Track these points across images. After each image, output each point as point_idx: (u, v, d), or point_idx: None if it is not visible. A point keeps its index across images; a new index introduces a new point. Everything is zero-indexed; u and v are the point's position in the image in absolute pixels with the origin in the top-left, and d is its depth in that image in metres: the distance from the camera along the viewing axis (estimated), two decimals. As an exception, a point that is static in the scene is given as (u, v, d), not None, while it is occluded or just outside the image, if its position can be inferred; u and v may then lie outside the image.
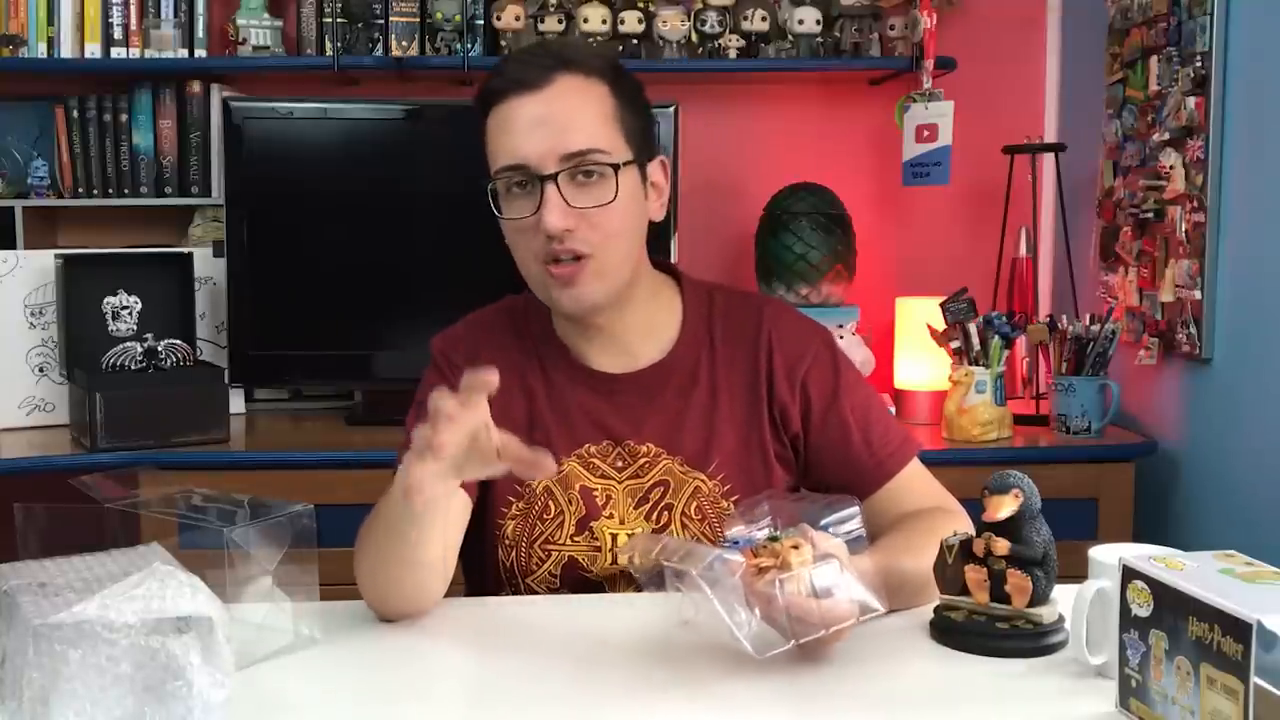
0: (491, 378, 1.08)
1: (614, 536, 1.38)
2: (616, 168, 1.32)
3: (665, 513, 1.39)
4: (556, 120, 1.31)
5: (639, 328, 1.43)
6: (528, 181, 1.32)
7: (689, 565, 1.09)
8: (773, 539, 1.10)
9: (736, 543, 1.11)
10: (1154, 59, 2.34)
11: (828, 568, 1.07)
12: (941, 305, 2.49)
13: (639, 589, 1.29)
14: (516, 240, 1.36)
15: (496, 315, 1.48)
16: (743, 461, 1.41)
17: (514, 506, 1.40)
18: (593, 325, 1.41)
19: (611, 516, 1.39)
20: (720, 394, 1.42)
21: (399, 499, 1.18)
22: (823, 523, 1.13)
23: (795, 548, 1.07)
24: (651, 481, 1.40)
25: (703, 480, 1.39)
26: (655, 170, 1.41)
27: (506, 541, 1.40)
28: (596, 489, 1.39)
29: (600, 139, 1.32)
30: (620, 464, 1.40)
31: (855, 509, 1.15)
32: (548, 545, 1.39)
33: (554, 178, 1.30)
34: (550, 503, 1.39)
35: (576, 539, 1.39)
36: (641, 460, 1.40)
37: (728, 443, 1.41)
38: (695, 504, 1.39)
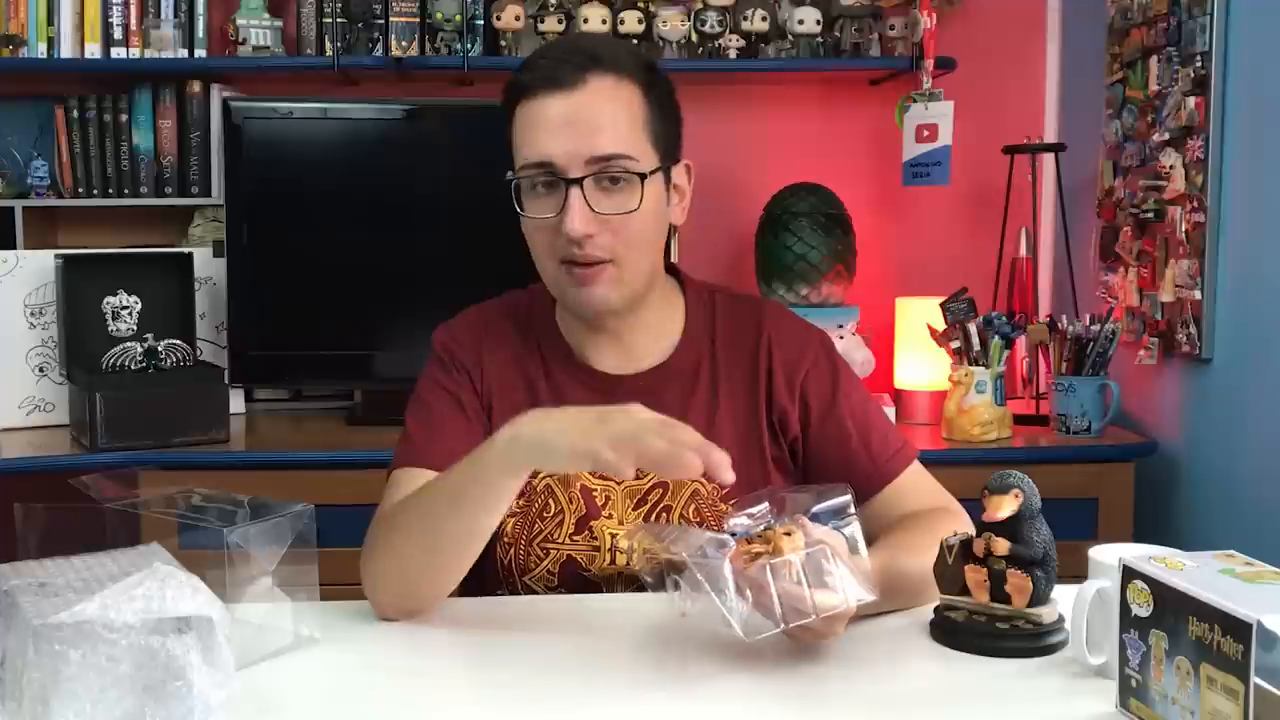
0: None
1: (613, 536, 1.38)
2: (643, 176, 1.32)
3: (664, 514, 1.39)
4: (586, 122, 1.30)
5: (647, 330, 1.43)
6: (552, 181, 1.31)
7: (682, 549, 1.09)
8: (767, 528, 1.10)
9: (734, 533, 1.12)
10: (1154, 59, 2.34)
11: (819, 555, 1.07)
12: (941, 305, 2.49)
13: (639, 588, 1.29)
14: (536, 237, 1.35)
15: (500, 310, 1.48)
16: (741, 464, 1.39)
17: (513, 505, 1.40)
18: (601, 327, 1.41)
19: (611, 517, 1.39)
20: (721, 396, 1.42)
21: (467, 482, 1.21)
22: (814, 510, 1.13)
23: (788, 534, 1.08)
24: (650, 483, 1.40)
25: (701, 483, 1.39)
26: (679, 174, 1.41)
27: (505, 539, 1.40)
28: (596, 489, 1.39)
29: (628, 144, 1.31)
30: None
31: (847, 497, 1.15)
32: (546, 544, 1.39)
33: (579, 182, 1.29)
34: (550, 501, 1.39)
35: (576, 538, 1.39)
36: None
37: (727, 445, 1.40)
38: (693, 506, 1.39)
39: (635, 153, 1.32)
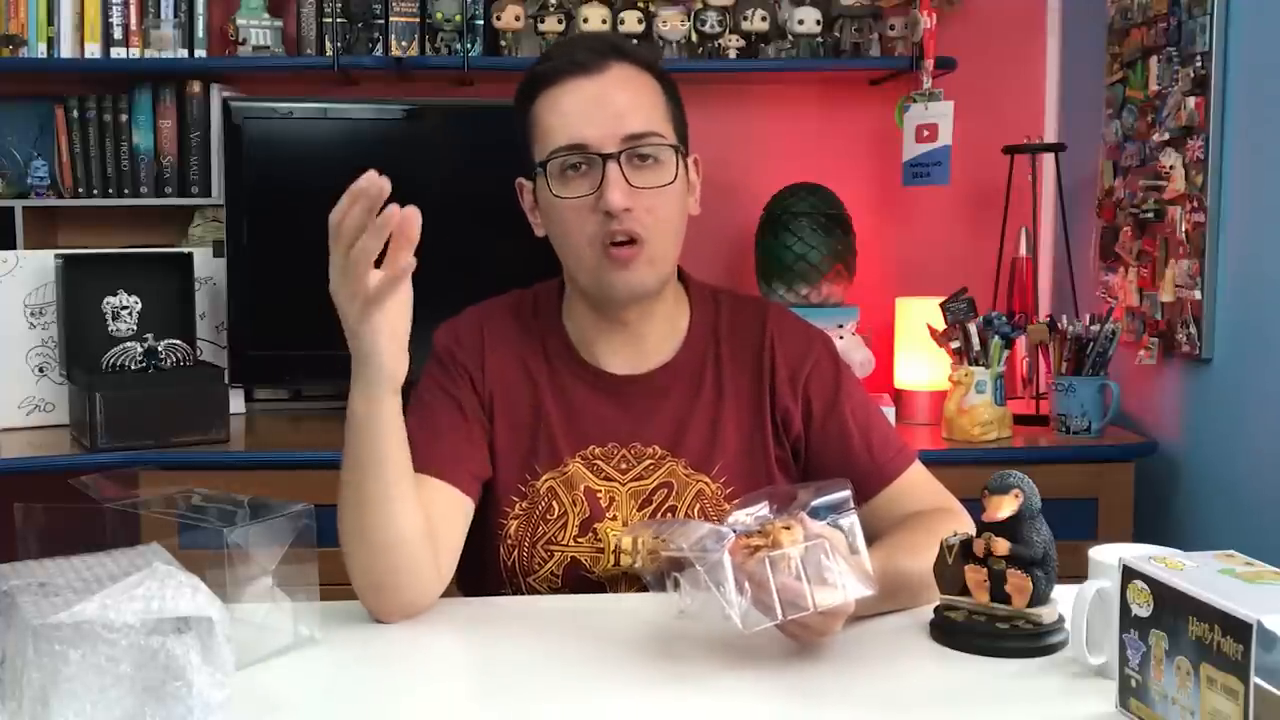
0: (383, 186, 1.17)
1: (617, 538, 1.38)
2: (676, 150, 1.36)
3: (668, 515, 1.39)
4: (615, 103, 1.33)
5: (658, 327, 1.43)
6: (584, 163, 1.33)
7: (681, 541, 1.09)
8: (767, 522, 1.10)
9: (734, 529, 1.12)
10: (1154, 59, 2.34)
11: (818, 550, 1.07)
12: (941, 305, 2.49)
13: (641, 589, 1.29)
14: (569, 222, 1.35)
15: (504, 308, 1.48)
16: (745, 464, 1.41)
17: (517, 506, 1.40)
18: (621, 320, 1.41)
19: (615, 518, 1.39)
20: (725, 397, 1.42)
21: (351, 437, 1.23)
22: (813, 504, 1.13)
23: (787, 529, 1.08)
24: (655, 483, 1.40)
25: (706, 483, 1.39)
26: (692, 166, 1.42)
27: (509, 541, 1.40)
28: (600, 490, 1.39)
29: (656, 124, 1.35)
30: (624, 466, 1.40)
31: (846, 492, 1.15)
32: (550, 546, 1.39)
33: (616, 157, 1.32)
34: (554, 503, 1.39)
35: (579, 540, 1.39)
36: (646, 462, 1.40)
37: (731, 445, 1.41)
38: (698, 506, 1.39)
39: (663, 131, 1.35)
